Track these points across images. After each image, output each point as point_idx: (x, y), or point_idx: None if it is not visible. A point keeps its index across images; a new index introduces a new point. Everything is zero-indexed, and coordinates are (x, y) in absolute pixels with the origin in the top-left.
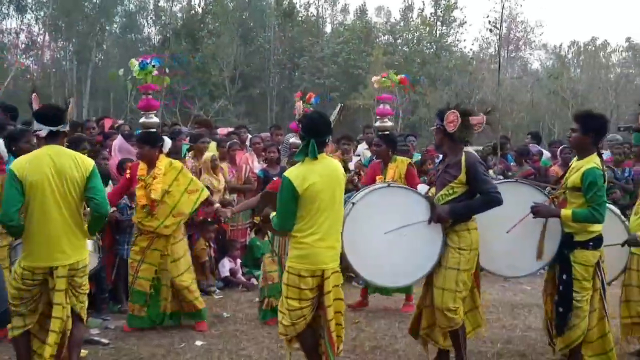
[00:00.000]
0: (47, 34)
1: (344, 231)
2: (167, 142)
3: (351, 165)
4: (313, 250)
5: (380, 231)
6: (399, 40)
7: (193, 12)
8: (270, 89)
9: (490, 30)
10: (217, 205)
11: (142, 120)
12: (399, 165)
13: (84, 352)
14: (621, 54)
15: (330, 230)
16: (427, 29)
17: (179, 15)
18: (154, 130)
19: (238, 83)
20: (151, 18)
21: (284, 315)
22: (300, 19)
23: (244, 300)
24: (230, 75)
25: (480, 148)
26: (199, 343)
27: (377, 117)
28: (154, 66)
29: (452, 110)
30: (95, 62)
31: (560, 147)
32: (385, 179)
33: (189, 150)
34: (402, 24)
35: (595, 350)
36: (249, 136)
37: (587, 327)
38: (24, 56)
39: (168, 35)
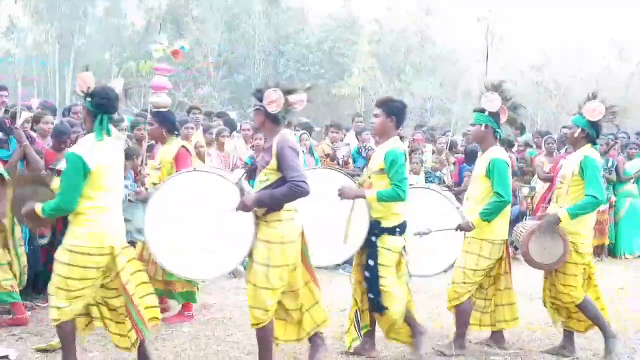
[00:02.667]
0: (28, 17)
1: (146, 218)
2: None
3: (340, 154)
4: (104, 228)
5: (184, 219)
6: (384, 29)
7: None
8: (255, 75)
9: (478, 20)
10: None
11: None
12: (170, 147)
13: None
14: (603, 47)
15: (118, 207)
16: (413, 18)
17: (164, 0)
18: None
19: (222, 69)
20: (135, 3)
21: (59, 298)
22: (285, 6)
23: (230, 287)
24: (215, 61)
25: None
26: (186, 330)
27: (152, 90)
28: None
29: (274, 89)
30: (78, 46)
31: (545, 137)
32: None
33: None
34: (387, 12)
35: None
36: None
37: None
38: (4, 39)
39: (152, 20)
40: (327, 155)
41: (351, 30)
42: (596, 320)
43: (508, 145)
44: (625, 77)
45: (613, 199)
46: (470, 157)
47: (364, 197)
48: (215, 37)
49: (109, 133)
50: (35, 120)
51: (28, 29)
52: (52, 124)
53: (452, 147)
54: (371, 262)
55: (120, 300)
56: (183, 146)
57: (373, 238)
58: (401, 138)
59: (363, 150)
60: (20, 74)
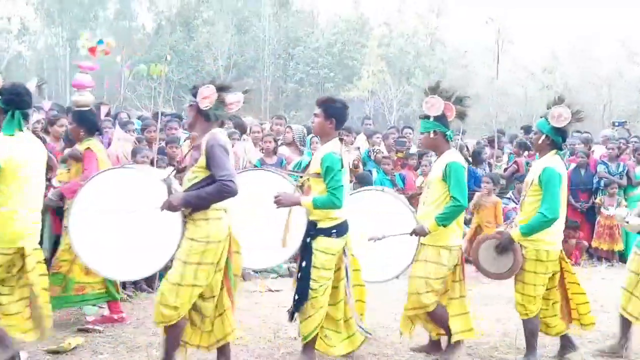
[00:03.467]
0: (39, 19)
1: (70, 215)
2: None
3: (350, 158)
4: (15, 226)
5: (111, 217)
6: (393, 33)
7: (186, 0)
8: (264, 78)
9: (487, 22)
10: None
11: None
12: (79, 148)
13: (80, 340)
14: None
15: (34, 207)
16: (423, 20)
17: (174, 3)
18: None
19: (232, 72)
20: (146, 6)
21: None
22: (295, 9)
23: (240, 289)
24: (225, 64)
25: (474, 142)
26: None
27: (74, 89)
28: None
29: (207, 85)
30: None
31: None
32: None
33: (186, 139)
34: (397, 15)
35: (343, 335)
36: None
37: (339, 317)
38: (16, 42)
39: (162, 23)
40: None
41: (361, 33)
42: (530, 339)
43: (525, 148)
44: (637, 80)
45: (624, 203)
46: (475, 159)
47: (300, 204)
48: (225, 40)
49: (20, 128)
50: (50, 122)
51: (40, 32)
52: (67, 127)
53: (461, 150)
54: (304, 264)
55: (7, 298)
56: (89, 148)
57: (308, 239)
58: (341, 140)
59: (372, 153)
60: (31, 76)
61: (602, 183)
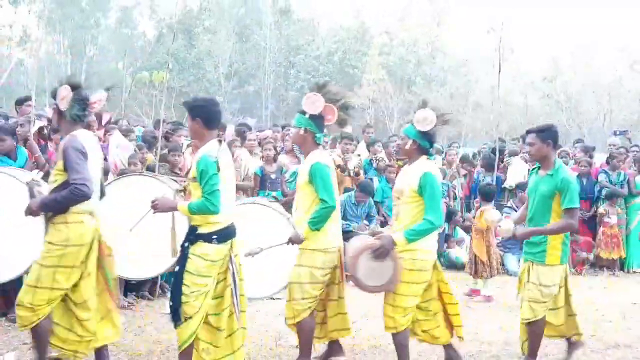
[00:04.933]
0: (41, 27)
1: None
2: None
3: (351, 165)
4: None
5: None
6: (394, 41)
7: (188, 8)
8: (265, 86)
9: (487, 32)
10: None
11: None
12: None
13: None
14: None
15: None
16: (424, 29)
17: (175, 10)
18: None
19: (233, 80)
20: (147, 14)
21: None
22: (296, 17)
23: None
24: (226, 72)
25: (475, 150)
26: None
27: None
28: None
29: (64, 85)
30: (90, 56)
31: (558, 151)
32: None
33: (188, 146)
34: (398, 24)
35: (225, 350)
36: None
37: (222, 328)
38: (18, 49)
39: (164, 30)
40: (338, 167)
41: (361, 41)
42: (401, 353)
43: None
44: (638, 89)
45: (619, 211)
46: (486, 166)
47: (177, 209)
48: (227, 48)
49: None
50: (54, 130)
51: (41, 39)
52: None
53: (466, 159)
54: (177, 268)
55: None
56: None
57: (187, 244)
58: (220, 142)
59: (374, 161)
60: (34, 84)
61: (603, 192)
